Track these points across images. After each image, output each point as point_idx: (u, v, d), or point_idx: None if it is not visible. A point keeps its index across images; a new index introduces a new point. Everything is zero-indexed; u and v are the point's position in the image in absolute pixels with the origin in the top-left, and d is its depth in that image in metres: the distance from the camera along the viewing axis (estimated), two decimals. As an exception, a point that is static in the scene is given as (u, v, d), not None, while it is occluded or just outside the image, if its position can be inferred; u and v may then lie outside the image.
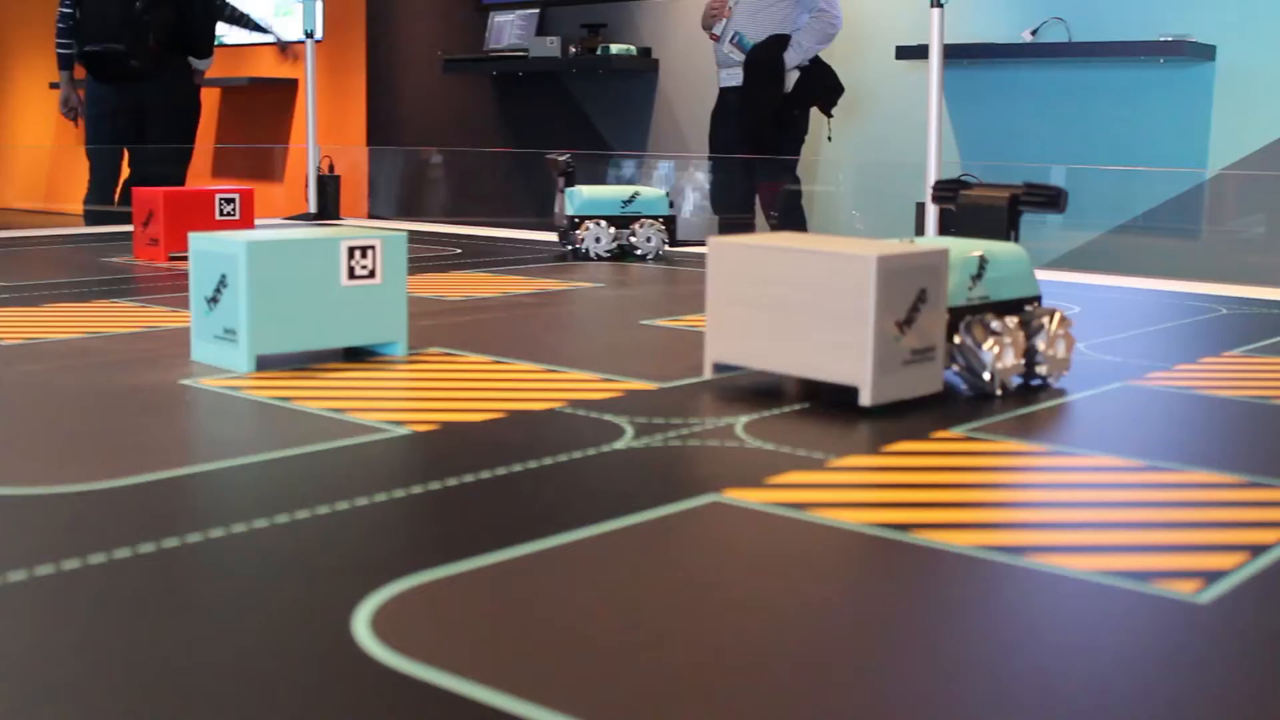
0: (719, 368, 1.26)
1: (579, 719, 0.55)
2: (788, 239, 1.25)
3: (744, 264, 1.22)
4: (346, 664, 0.60)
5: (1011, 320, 1.25)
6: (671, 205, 2.56)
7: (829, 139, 3.93)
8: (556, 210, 2.54)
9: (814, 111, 3.89)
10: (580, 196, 2.49)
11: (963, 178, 1.45)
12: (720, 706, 0.57)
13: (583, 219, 2.49)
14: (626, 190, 2.52)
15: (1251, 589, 0.73)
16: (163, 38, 4.01)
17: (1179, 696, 0.59)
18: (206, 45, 4.21)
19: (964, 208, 1.37)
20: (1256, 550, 0.79)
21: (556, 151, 2.55)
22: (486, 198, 4.88)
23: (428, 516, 0.84)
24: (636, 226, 2.50)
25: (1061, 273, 2.46)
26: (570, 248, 2.50)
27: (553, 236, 3.11)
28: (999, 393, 1.23)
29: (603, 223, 2.48)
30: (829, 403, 1.19)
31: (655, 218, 2.52)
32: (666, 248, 2.54)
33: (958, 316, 1.23)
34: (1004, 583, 0.74)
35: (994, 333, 1.23)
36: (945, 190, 1.43)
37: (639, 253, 2.51)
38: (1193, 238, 3.79)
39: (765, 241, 1.23)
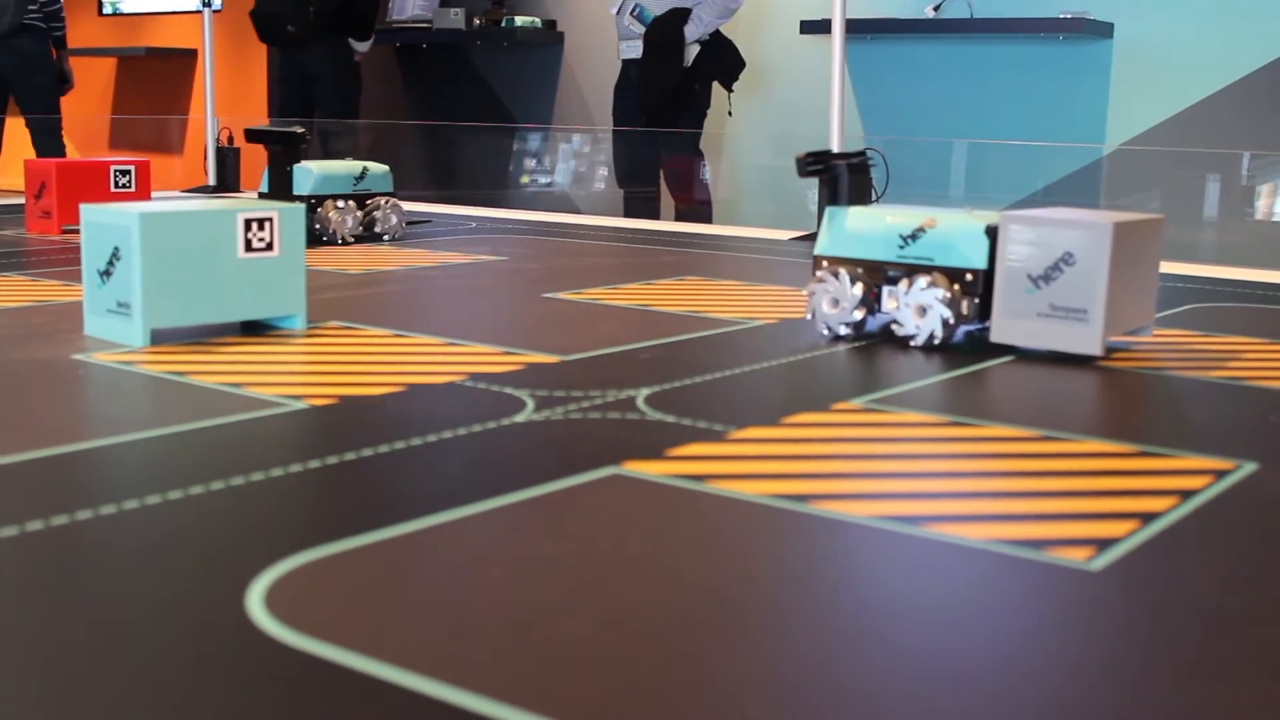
0: (1111, 346, 1.35)
1: (476, 692, 0.55)
2: (1121, 215, 1.33)
3: (1123, 241, 1.28)
4: (240, 640, 0.59)
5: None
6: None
7: (729, 114, 3.94)
8: (267, 190, 2.28)
9: (716, 86, 3.90)
10: (314, 173, 2.25)
11: (866, 151, 1.47)
12: (616, 677, 0.57)
13: (321, 199, 2.26)
14: (357, 166, 2.32)
15: (1141, 556, 0.74)
16: (323, 12, 4.20)
17: (1070, 660, 0.60)
18: (366, 29, 4.40)
19: (856, 177, 1.42)
20: (1147, 518, 0.81)
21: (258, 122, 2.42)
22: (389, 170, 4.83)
23: (324, 491, 0.83)
24: (382, 204, 2.33)
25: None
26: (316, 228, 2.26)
27: (455, 209, 3.09)
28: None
29: (349, 203, 2.28)
30: (732, 372, 1.19)
31: (384, 194, 2.35)
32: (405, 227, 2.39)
33: None
34: (900, 552, 0.74)
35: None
36: (816, 163, 1.44)
37: (378, 231, 2.33)
38: (1090, 212, 3.85)
39: (1129, 217, 1.31)
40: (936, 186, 3.84)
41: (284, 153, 2.26)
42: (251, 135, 2.32)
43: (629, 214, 3.75)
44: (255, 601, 0.64)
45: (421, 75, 5.49)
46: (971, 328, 1.37)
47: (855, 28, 3.81)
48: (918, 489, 0.87)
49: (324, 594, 0.66)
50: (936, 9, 4.20)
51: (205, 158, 3.68)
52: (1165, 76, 3.94)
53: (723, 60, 3.84)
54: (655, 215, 3.80)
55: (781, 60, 4.45)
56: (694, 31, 3.75)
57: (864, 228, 1.39)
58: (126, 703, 0.53)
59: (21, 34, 4.11)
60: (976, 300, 1.33)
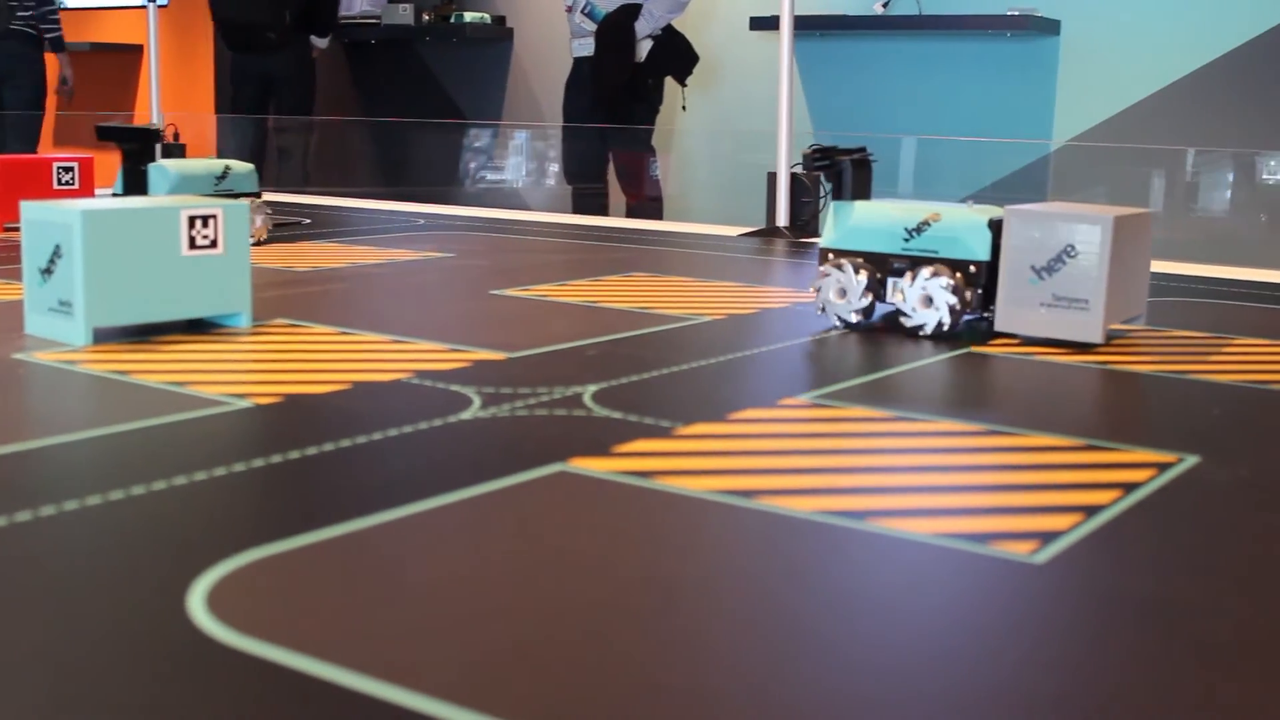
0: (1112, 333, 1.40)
1: (422, 692, 0.54)
2: (1118, 209, 1.37)
3: (1121, 234, 1.33)
4: (182, 642, 0.59)
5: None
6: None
7: (683, 108, 3.94)
8: (121, 191, 2.10)
9: (670, 81, 3.90)
10: (170, 173, 2.06)
11: (828, 148, 1.49)
12: (564, 675, 0.56)
13: None
14: (219, 165, 2.14)
15: (1085, 549, 0.74)
16: (296, 14, 4.27)
17: (1013, 653, 0.60)
18: (329, 25, 4.49)
19: (858, 172, 1.45)
20: (1091, 511, 0.81)
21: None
22: (337, 167, 4.81)
23: (268, 490, 0.83)
24: (247, 205, 2.14)
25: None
26: None
27: (403, 206, 3.08)
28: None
29: None
30: (679, 368, 1.19)
31: (248, 195, 2.15)
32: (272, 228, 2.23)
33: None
34: (845, 547, 0.74)
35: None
36: (822, 158, 1.46)
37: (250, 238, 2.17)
38: (1038, 208, 3.87)
39: (1125, 211, 1.36)
40: (885, 182, 3.84)
41: (139, 151, 2.12)
42: (103, 133, 2.17)
43: (578, 210, 3.74)
44: (197, 602, 0.63)
45: (370, 71, 5.46)
46: (971, 317, 1.41)
47: (804, 24, 3.82)
48: (863, 484, 0.87)
49: (268, 594, 0.65)
50: (885, 6, 4.22)
51: (153, 155, 3.65)
52: (1111, 73, 3.97)
53: (676, 55, 3.85)
54: (605, 212, 3.80)
55: (731, 57, 4.46)
56: (645, 27, 3.76)
57: (869, 221, 1.43)
58: (67, 706, 0.53)
59: (10, 38, 4.22)
60: (979, 291, 1.38)
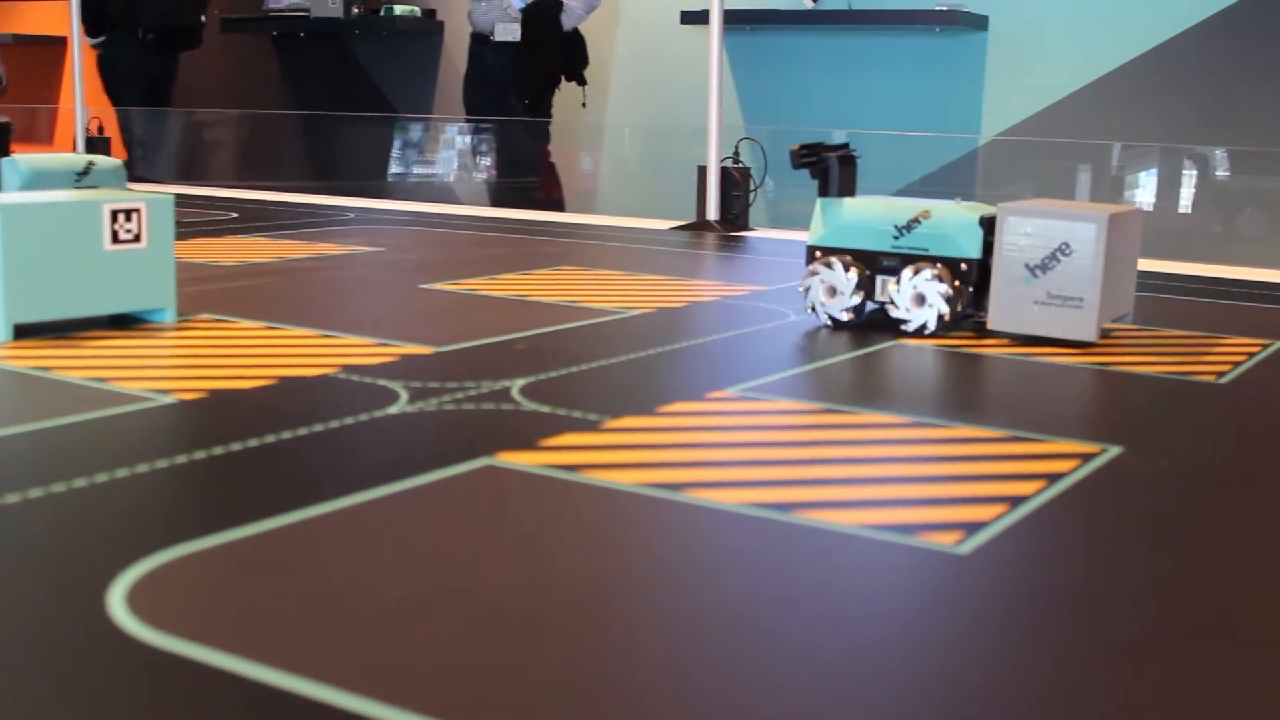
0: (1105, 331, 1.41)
1: (346, 689, 0.54)
2: (1111, 207, 1.38)
3: (1114, 232, 1.33)
4: (101, 642, 0.58)
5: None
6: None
7: (584, 105, 3.98)
8: None
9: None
10: (22, 169, 1.85)
11: (817, 144, 1.49)
12: (489, 670, 0.56)
13: None
14: (80, 160, 1.92)
15: (1009, 539, 0.75)
16: (204, 12, 4.47)
17: (939, 642, 0.60)
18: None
19: (844, 169, 1.45)
20: (1015, 501, 0.82)
21: None
22: (265, 161, 4.76)
23: (192, 487, 0.82)
24: None
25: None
26: None
27: (332, 200, 3.06)
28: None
29: None
30: (606, 361, 1.19)
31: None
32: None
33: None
34: (773, 539, 0.74)
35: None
36: (809, 155, 1.46)
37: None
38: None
39: (1118, 209, 1.37)
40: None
41: None
42: None
43: (504, 204, 3.75)
44: (117, 601, 0.62)
45: (299, 64, 5.41)
46: (963, 314, 1.41)
47: (734, 18, 3.82)
48: (790, 476, 0.87)
49: (189, 592, 0.65)
50: (815, 0, 4.23)
51: (75, 148, 3.60)
52: (1038, 69, 4.01)
53: (575, 54, 3.90)
54: (530, 205, 3.80)
55: (662, 50, 4.46)
56: (567, 22, 3.79)
57: (858, 219, 1.43)
58: (-22, 707, 0.52)
59: None
60: (971, 289, 1.38)
